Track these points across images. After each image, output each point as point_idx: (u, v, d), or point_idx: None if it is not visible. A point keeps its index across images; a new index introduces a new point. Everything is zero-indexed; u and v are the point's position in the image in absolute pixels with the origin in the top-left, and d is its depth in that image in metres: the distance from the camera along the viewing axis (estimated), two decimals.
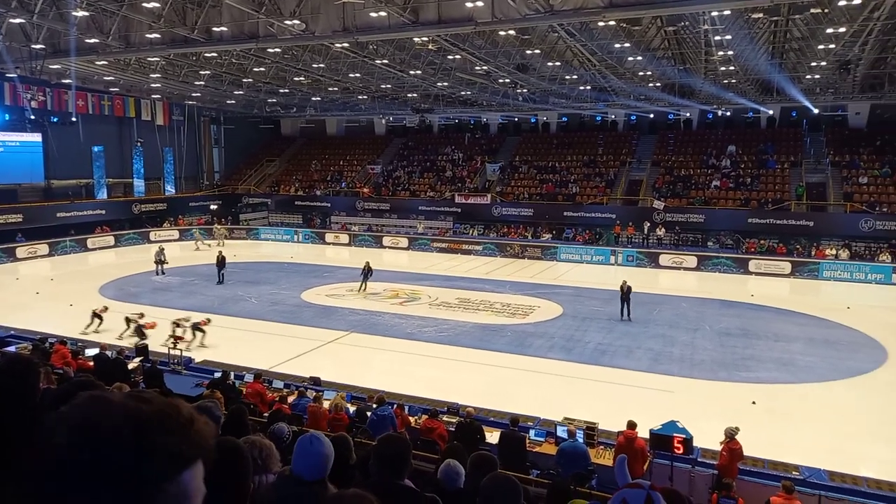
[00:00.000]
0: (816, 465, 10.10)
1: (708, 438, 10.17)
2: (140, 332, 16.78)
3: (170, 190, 43.57)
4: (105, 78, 31.70)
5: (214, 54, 26.77)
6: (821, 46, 23.32)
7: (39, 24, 21.10)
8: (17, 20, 20.72)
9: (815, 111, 34.62)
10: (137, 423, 0.89)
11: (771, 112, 36.97)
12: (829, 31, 20.90)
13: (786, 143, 36.40)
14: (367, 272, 25.03)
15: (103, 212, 37.90)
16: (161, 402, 0.96)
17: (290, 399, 11.85)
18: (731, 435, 9.67)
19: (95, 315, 19.07)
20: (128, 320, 17.87)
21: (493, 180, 39.59)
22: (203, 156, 47.21)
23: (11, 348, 14.02)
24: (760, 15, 19.55)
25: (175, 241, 38.93)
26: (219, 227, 28.74)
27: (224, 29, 21.40)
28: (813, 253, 30.42)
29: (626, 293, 21.22)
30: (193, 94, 37.77)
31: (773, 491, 8.66)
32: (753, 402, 13.91)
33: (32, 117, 31.22)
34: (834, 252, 29.92)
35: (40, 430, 0.90)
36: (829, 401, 14.44)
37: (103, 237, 36.67)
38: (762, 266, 29.66)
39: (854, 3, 18.06)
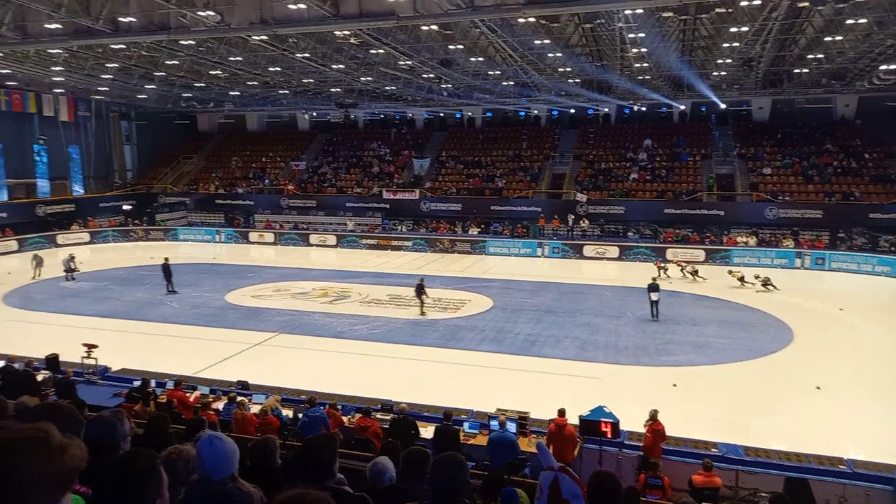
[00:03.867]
0: (732, 441, 10.70)
1: (634, 421, 10.57)
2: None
3: (78, 190, 41.00)
4: (1, 71, 29.41)
5: (122, 46, 25.34)
6: (726, 45, 24.66)
7: None
8: None
9: (723, 106, 36.57)
10: (4, 450, 0.84)
11: (683, 107, 38.78)
12: (733, 30, 22.13)
13: (697, 137, 38.32)
14: (421, 289, 21.64)
15: (4, 214, 35.29)
16: (27, 427, 0.91)
17: (217, 405, 11.43)
18: (653, 416, 10.11)
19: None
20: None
21: (421, 175, 39.59)
22: (114, 153, 44.71)
23: None
24: (670, 14, 20.44)
25: (86, 243, 36.79)
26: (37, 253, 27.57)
27: (132, 19, 20.23)
28: (724, 241, 32.19)
29: (653, 291, 20.51)
30: (101, 89, 35.67)
31: (697, 469, 9.12)
32: (674, 385, 14.58)
33: None
34: (744, 239, 31.78)
35: None
36: (742, 379, 15.31)
37: (5, 241, 34.15)
38: (679, 254, 31.09)
39: (755, 3, 19.18)
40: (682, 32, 24.18)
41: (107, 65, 28.62)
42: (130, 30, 20.80)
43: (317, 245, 37.12)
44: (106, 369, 14.53)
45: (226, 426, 10.13)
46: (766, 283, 24.76)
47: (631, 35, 22.51)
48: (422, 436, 9.88)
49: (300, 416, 10.58)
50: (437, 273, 28.64)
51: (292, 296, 24.05)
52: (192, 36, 21.89)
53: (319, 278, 27.24)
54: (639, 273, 26.13)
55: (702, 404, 13.73)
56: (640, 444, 10.13)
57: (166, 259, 25.25)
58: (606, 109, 40.60)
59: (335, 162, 43.43)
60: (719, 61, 27.75)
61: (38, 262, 26.72)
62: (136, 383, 12.23)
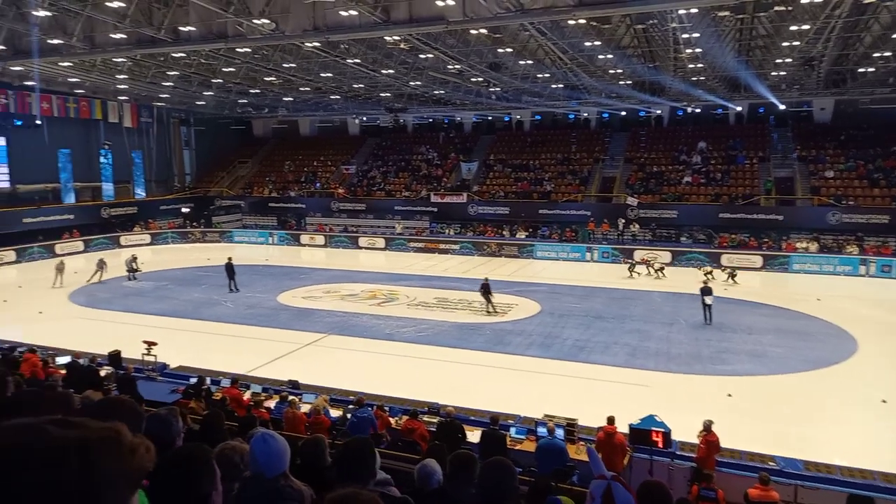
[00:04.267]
0: (791, 455, 10.29)
1: (686, 431, 10.29)
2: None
3: (140, 193, 42.72)
4: (70, 79, 30.95)
5: (182, 55, 26.31)
6: (785, 43, 23.79)
7: None
8: None
9: (782, 107, 35.31)
10: (81, 448, 0.86)
11: (739, 108, 37.64)
12: (793, 28, 21.33)
13: (754, 139, 37.10)
14: (487, 289, 21.87)
15: (71, 216, 37.04)
16: (100, 425, 0.93)
17: (269, 404, 11.70)
18: (707, 427, 9.81)
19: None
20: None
21: (469, 179, 39.64)
22: (174, 158, 46.42)
23: None
24: (727, 13, 19.89)
25: (147, 245, 38.28)
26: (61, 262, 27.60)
27: (192, 29, 21.02)
28: (783, 246, 31.03)
29: (707, 294, 20.09)
30: (162, 96, 37.11)
31: (752, 482, 8.79)
32: (729, 395, 14.13)
33: None
34: (803, 245, 30.56)
35: None
36: (802, 391, 14.72)
37: (72, 242, 35.86)
38: (734, 260, 30.15)
39: (816, 0, 18.46)
40: (738, 32, 23.49)
41: (168, 73, 29.77)
42: (190, 39, 21.59)
43: (365, 248, 37.60)
44: (164, 366, 15.07)
45: (277, 424, 10.35)
46: (732, 274, 26.27)
47: (685, 35, 21.99)
48: (468, 440, 9.87)
49: (348, 416, 10.72)
50: (484, 277, 28.55)
51: (341, 297, 24.41)
52: (248, 43, 22.55)
53: (368, 281, 27.56)
54: (691, 279, 25.47)
55: (758, 415, 13.25)
56: (693, 455, 9.86)
57: (229, 259, 26.05)
58: (659, 111, 39.78)
59: (384, 166, 43.93)
60: (778, 61, 26.80)
61: (101, 266, 27.46)
62: (193, 380, 12.64)
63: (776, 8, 19.82)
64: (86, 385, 10.39)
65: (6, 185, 34.30)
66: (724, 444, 9.82)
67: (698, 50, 24.60)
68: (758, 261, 30.04)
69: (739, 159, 35.74)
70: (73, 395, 4.08)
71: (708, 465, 9.46)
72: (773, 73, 29.54)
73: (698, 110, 37.97)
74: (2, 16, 19.56)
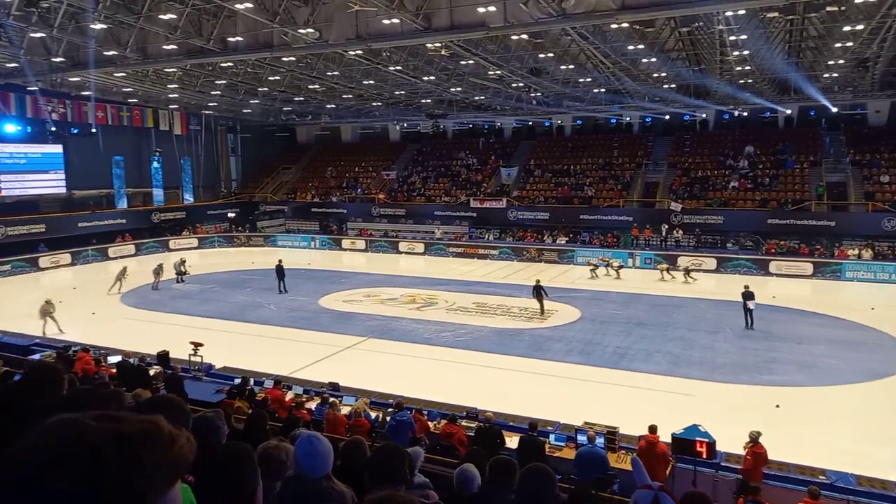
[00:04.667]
0: (842, 469, 9.91)
1: (731, 442, 10.02)
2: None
3: (188, 199, 44.06)
4: (123, 89, 32.17)
5: (230, 64, 27.05)
6: (838, 44, 23.02)
7: (59, 37, 21.48)
8: (38, 34, 21.08)
9: (834, 110, 34.15)
10: (118, 442, 0.87)
11: (788, 111, 36.55)
12: (846, 28, 20.63)
13: (804, 143, 35.94)
14: (540, 291, 22.21)
15: (124, 221, 38.43)
16: (140, 419, 0.93)
17: (310, 405, 11.88)
18: (754, 438, 9.53)
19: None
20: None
21: (509, 184, 39.54)
22: (220, 164, 47.69)
23: (36, 356, 14.25)
24: (776, 14, 19.36)
25: (194, 248, 39.38)
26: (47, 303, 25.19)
27: (239, 39, 21.62)
28: (835, 253, 29.95)
29: (749, 299, 20.30)
30: (210, 104, 38.20)
31: (800, 496, 8.50)
32: (777, 406, 13.70)
33: (53, 129, 31.76)
34: (856, 252, 29.43)
35: (11, 452, 0.87)
36: (854, 404, 14.17)
37: (124, 246, 37.17)
38: (783, 267, 29.27)
39: (871, 0, 17.81)
40: (788, 33, 22.82)
41: (216, 82, 30.64)
42: (237, 48, 22.20)
43: (405, 252, 37.86)
44: (210, 366, 15.44)
45: (318, 426, 10.50)
46: (687, 272, 27.96)
47: (732, 37, 21.50)
48: (507, 445, 9.83)
49: (387, 419, 10.80)
50: (524, 282, 28.40)
51: (381, 301, 24.63)
52: (292, 52, 23.04)
53: (407, 285, 27.75)
54: (738, 286, 24.76)
55: (808, 428, 12.81)
56: (739, 467, 9.59)
57: (280, 261, 26.93)
58: (704, 115, 38.95)
59: (424, 171, 44.21)
60: (830, 62, 25.95)
61: (158, 272, 28.02)
62: (237, 381, 12.92)
63: (828, 8, 19.18)
64: (136, 384, 10.75)
65: (63, 190, 35.79)
66: (771, 456, 9.53)
67: (746, 52, 24.01)
68: (808, 268, 29.07)
69: (789, 163, 34.69)
70: (124, 393, 4.24)
71: (755, 477, 9.20)
72: (825, 75, 28.60)
73: (745, 114, 36.98)
74: (62, 29, 20.44)
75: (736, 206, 33.33)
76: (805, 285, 27.88)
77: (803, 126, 37.25)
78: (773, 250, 31.05)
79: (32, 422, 0.98)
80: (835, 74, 28.31)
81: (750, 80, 29.84)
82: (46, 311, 20.57)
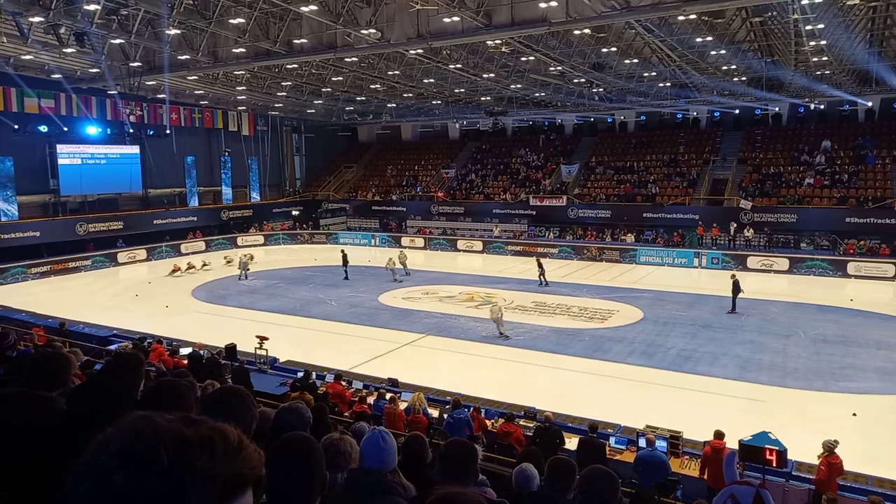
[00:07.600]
0: None
1: (803, 451, 9.59)
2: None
3: (255, 197, 45.56)
4: (195, 92, 33.59)
5: (295, 66, 27.78)
6: None
7: (136, 43, 22.58)
8: (118, 41, 22.25)
9: None
10: (178, 446, 0.86)
11: (870, 104, 34.48)
12: None
13: (887, 137, 33.82)
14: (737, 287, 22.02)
15: (195, 218, 40.08)
16: (209, 426, 0.92)
17: (370, 400, 12.08)
18: (830, 448, 9.07)
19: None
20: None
21: (569, 182, 38.98)
22: (285, 164, 49.06)
23: (114, 346, 15.07)
24: (857, 1, 18.32)
25: (260, 245, 40.69)
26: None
27: (304, 41, 22.19)
28: None
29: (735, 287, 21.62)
30: (276, 105, 39.34)
31: None
32: (854, 414, 13.00)
33: (131, 131, 33.38)
34: None
35: (86, 449, 0.89)
36: None
37: (195, 242, 38.80)
38: (863, 268, 27.72)
39: None
40: (870, 21, 21.57)
41: (281, 83, 31.53)
42: (302, 50, 22.79)
43: (464, 250, 37.91)
44: (275, 360, 15.92)
45: (377, 420, 10.67)
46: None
47: (808, 27, 20.46)
48: (566, 446, 9.72)
49: (445, 416, 10.86)
50: (584, 282, 28.00)
51: (440, 299, 24.76)
52: (355, 53, 23.44)
53: (466, 283, 27.78)
54: (812, 288, 23.73)
55: (888, 438, 12.08)
56: (811, 477, 9.16)
57: (343, 251, 29.45)
58: (777, 109, 37.20)
59: (483, 169, 44.12)
60: None
61: (244, 264, 29.53)
62: (300, 374, 13.28)
63: None
64: (208, 374, 11.21)
65: (139, 189, 37.65)
66: (847, 467, 9.05)
67: (823, 42, 22.78)
68: (890, 270, 27.40)
69: (869, 159, 32.77)
70: (195, 384, 4.43)
71: (830, 488, 8.76)
72: None
73: (822, 107, 35.10)
74: (139, 35, 21.49)
75: (811, 203, 31.76)
76: (886, 288, 26.29)
77: (885, 119, 35.03)
78: (851, 250, 29.42)
79: (124, 409, 1.02)
80: None
81: (827, 72, 28.33)
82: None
